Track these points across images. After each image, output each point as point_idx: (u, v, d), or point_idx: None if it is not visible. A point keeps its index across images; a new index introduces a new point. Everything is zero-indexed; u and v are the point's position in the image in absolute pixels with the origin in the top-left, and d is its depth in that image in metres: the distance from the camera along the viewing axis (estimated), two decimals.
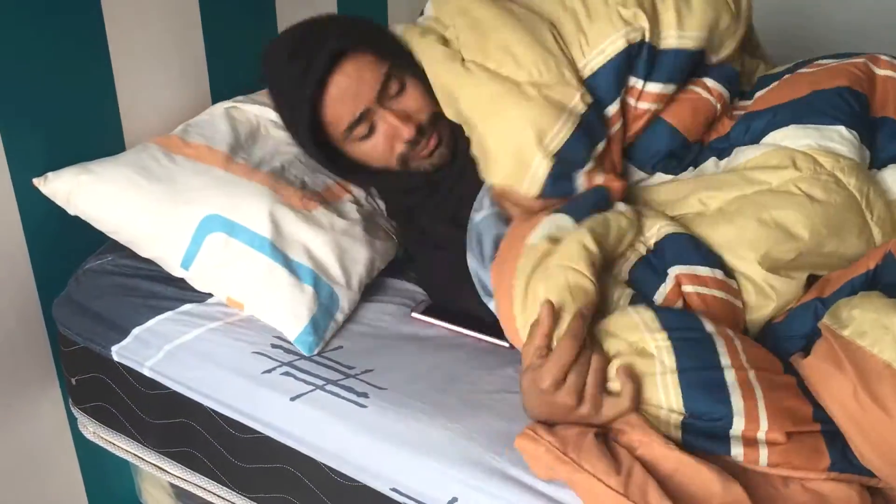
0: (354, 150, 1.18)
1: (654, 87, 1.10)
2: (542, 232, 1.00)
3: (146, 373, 1.14)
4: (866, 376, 0.83)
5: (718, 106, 1.14)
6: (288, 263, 1.12)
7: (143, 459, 1.26)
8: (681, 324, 0.91)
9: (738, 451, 0.84)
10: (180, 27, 1.35)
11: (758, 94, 1.17)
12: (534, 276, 0.95)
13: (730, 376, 0.86)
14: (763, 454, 0.83)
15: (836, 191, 1.01)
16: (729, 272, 1.01)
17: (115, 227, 1.18)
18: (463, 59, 1.12)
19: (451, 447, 0.94)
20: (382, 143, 1.16)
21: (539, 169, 1.05)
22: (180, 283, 1.19)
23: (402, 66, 1.14)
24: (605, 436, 0.87)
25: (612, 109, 1.09)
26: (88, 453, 1.40)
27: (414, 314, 1.16)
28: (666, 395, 0.86)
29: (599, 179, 1.08)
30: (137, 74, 1.30)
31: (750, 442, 0.83)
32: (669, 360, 0.87)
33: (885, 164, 1.07)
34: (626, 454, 0.85)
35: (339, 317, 1.14)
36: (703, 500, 0.82)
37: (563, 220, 1.01)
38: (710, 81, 1.15)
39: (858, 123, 1.07)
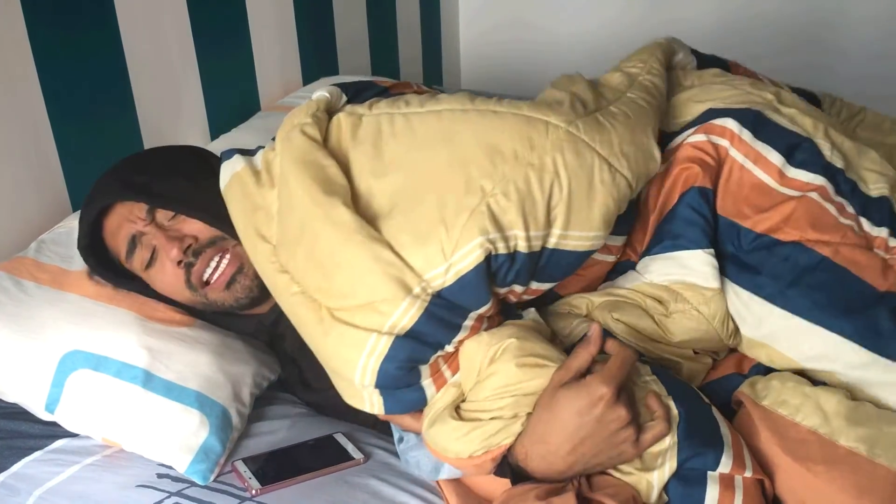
0: (153, 284, 1.08)
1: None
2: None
3: None
4: (790, 445, 0.86)
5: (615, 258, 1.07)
6: (167, 390, 1.03)
7: None
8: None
9: (713, 496, 0.83)
10: (27, 125, 1.23)
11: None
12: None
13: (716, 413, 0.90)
14: (738, 499, 0.83)
15: (694, 329, 0.99)
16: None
17: None
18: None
19: None
20: (168, 268, 1.05)
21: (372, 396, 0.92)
22: None
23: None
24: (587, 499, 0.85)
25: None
26: None
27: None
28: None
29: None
30: None
31: (727, 484, 0.83)
32: (660, 389, 0.88)
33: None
34: None
35: (233, 435, 1.06)
36: None
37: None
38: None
39: (712, 234, 1.01)
